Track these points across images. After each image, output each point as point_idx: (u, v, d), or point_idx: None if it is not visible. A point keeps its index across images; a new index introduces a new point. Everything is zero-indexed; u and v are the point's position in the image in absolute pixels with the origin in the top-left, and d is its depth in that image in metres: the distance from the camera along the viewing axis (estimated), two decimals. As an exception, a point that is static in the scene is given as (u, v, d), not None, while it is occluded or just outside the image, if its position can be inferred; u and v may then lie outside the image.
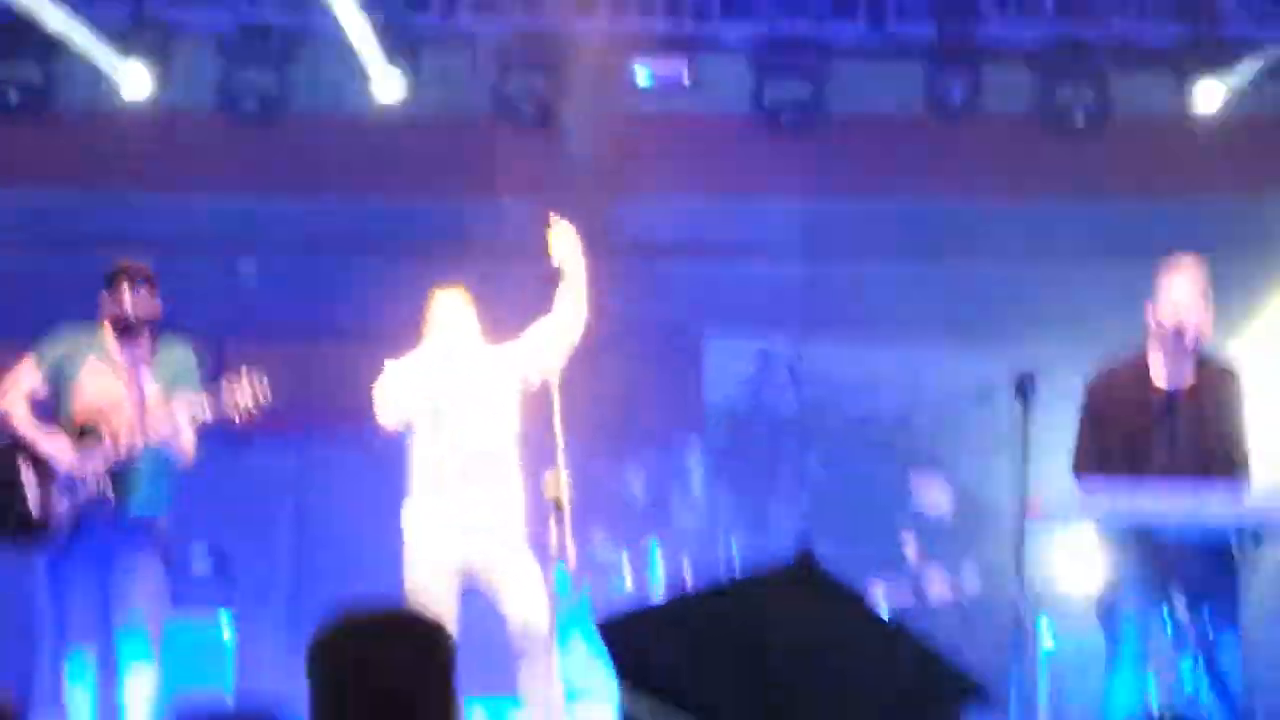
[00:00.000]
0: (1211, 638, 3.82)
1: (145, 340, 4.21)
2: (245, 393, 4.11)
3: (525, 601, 4.19)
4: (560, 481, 4.06)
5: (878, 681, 0.93)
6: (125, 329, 4.17)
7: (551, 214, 4.31)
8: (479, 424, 4.27)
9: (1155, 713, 3.64)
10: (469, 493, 4.23)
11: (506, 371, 4.32)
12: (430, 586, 4.12)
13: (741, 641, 0.91)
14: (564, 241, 4.27)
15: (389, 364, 4.28)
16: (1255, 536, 3.81)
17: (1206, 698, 3.75)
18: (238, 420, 4.15)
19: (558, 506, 4.07)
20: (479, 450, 4.25)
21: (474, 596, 4.25)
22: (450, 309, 4.36)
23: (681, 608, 1.03)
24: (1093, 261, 6.10)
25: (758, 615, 0.96)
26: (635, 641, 0.96)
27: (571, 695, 4.50)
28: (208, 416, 4.11)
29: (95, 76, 5.86)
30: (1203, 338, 4.04)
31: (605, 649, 0.98)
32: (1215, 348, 4.23)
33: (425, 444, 4.28)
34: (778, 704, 0.87)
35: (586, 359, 4.40)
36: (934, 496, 5.48)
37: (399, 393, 4.25)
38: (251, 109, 5.89)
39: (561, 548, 4.11)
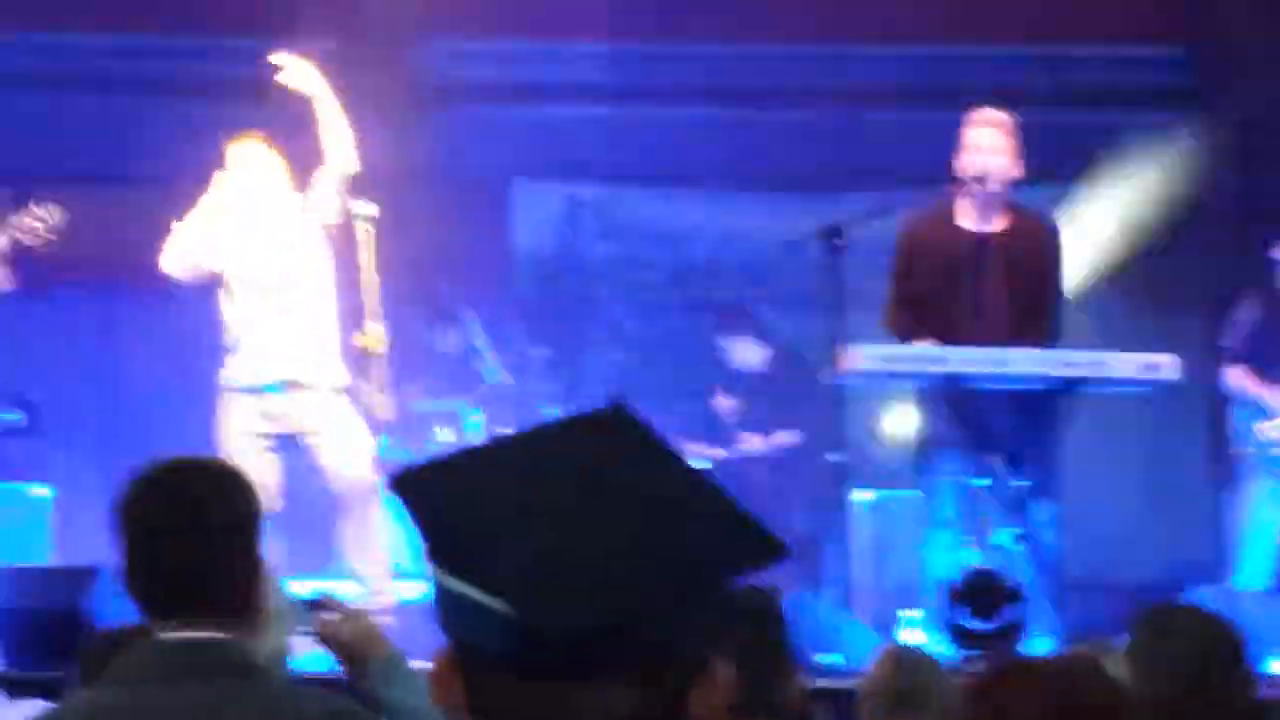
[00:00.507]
0: (1026, 497, 3.98)
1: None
2: (38, 219, 4.12)
3: (344, 451, 4.10)
4: (373, 334, 4.08)
5: (675, 534, 0.81)
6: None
7: (282, 56, 4.19)
8: (284, 275, 4.10)
9: (971, 571, 3.81)
10: (280, 346, 4.09)
11: (303, 220, 4.14)
12: (243, 447, 3.98)
13: (532, 483, 0.82)
14: (303, 80, 4.13)
15: (183, 220, 4.09)
16: (1066, 394, 4.03)
17: (1022, 557, 3.90)
18: (31, 242, 4.15)
19: (371, 357, 4.09)
20: (286, 302, 4.10)
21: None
22: (247, 159, 4.14)
23: (476, 454, 0.92)
24: (905, 108, 6.15)
25: (554, 458, 0.86)
26: (427, 493, 0.85)
27: (399, 570, 4.46)
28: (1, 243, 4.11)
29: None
30: (1007, 185, 4.20)
31: (401, 504, 0.86)
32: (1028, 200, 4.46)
33: (233, 299, 4.13)
34: (562, 548, 0.78)
35: (392, 208, 4.26)
36: (747, 352, 5.50)
37: (187, 245, 4.08)
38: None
39: (376, 401, 4.15)
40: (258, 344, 4.09)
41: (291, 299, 4.12)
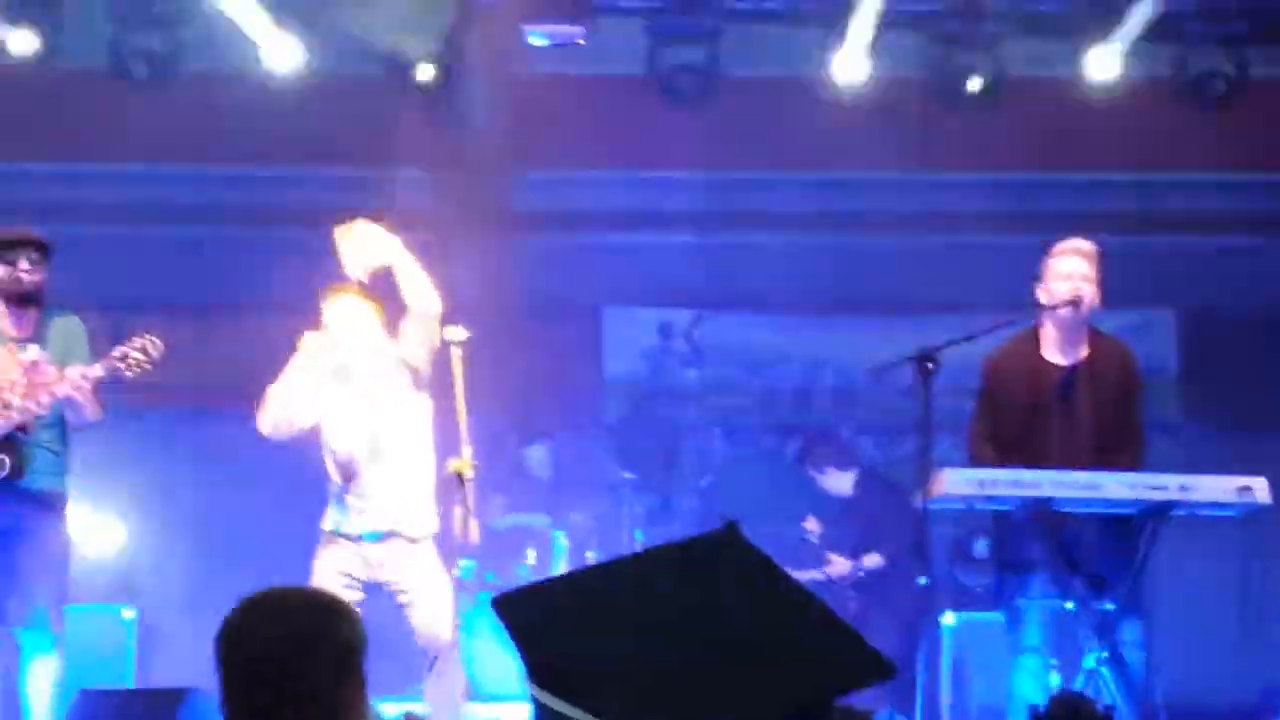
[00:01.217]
0: (1114, 621, 3.92)
1: (35, 311, 4.08)
2: (138, 350, 4.06)
3: (432, 610, 4.14)
4: (465, 459, 4.05)
5: (784, 651, 0.90)
6: (20, 300, 4.07)
7: (343, 225, 4.17)
8: (382, 427, 4.17)
9: (1058, 695, 3.72)
10: (380, 498, 4.16)
11: (397, 370, 4.20)
12: (333, 585, 3.94)
13: (643, 606, 0.88)
14: (371, 243, 4.13)
15: (279, 381, 4.15)
16: (1156, 517, 4.02)
17: (1110, 681, 3.85)
18: (131, 375, 4.08)
19: (461, 483, 4.05)
20: (385, 453, 4.17)
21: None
22: (341, 314, 4.20)
23: (581, 579, 1.02)
24: (993, 232, 6.24)
25: (663, 581, 0.93)
26: (530, 616, 0.91)
27: (480, 693, 4.50)
28: (101, 375, 4.03)
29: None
30: (1092, 313, 4.18)
31: (503, 626, 0.94)
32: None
33: (332, 452, 4.19)
34: (674, 672, 0.84)
35: (486, 335, 4.36)
36: (836, 478, 5.51)
37: (284, 407, 4.14)
38: (142, 73, 5.73)
39: (466, 527, 4.11)
40: (358, 494, 4.16)
41: (390, 449, 4.17)
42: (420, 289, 4.15)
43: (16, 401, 3.93)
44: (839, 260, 6.50)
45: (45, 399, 3.93)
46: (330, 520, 4.21)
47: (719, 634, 0.86)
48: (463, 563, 4.37)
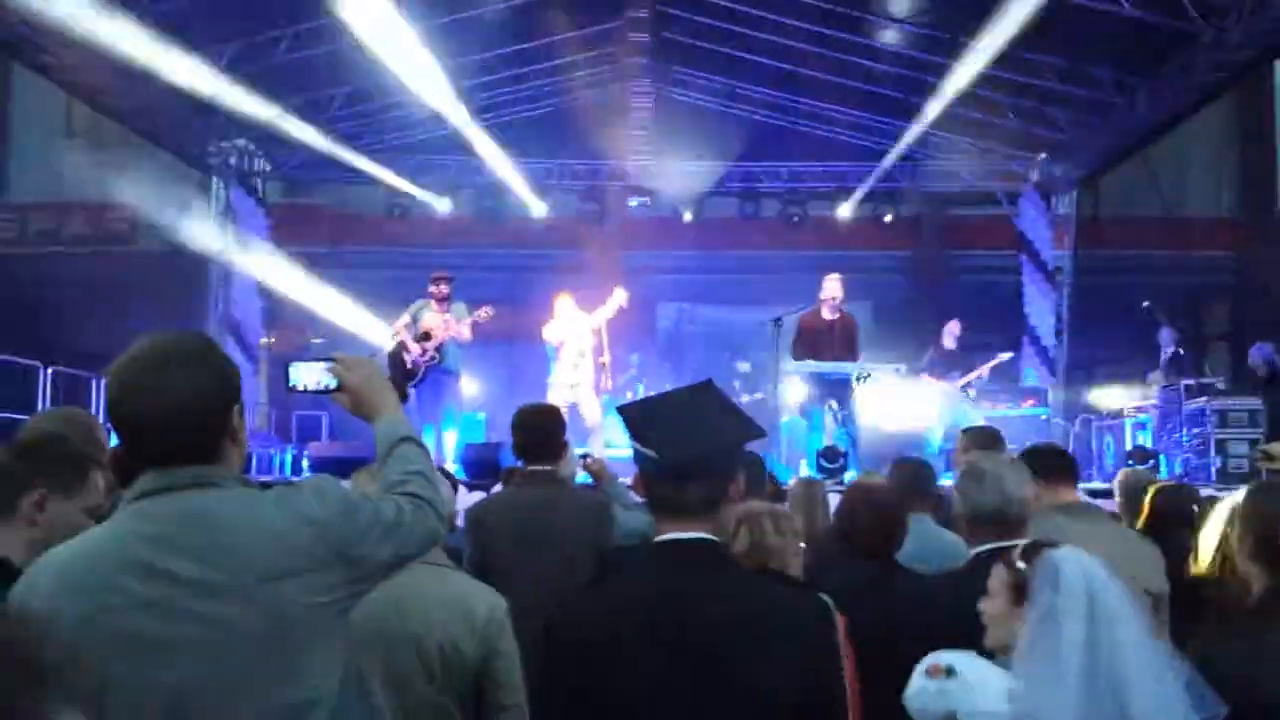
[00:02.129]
0: (847, 417, 10.81)
1: (448, 301, 10.79)
2: (483, 316, 10.65)
3: (594, 415, 10.82)
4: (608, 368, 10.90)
5: (727, 423, 2.12)
6: (441, 299, 10.76)
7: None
8: (581, 352, 10.76)
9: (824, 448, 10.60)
10: (579, 372, 10.73)
11: (589, 329, 10.83)
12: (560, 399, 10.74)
13: (667, 406, 2.17)
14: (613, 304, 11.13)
15: (548, 325, 10.83)
16: (860, 379, 10.85)
17: (843, 435, 10.69)
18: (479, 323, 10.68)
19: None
20: (581, 358, 10.77)
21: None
22: (565, 307, 10.82)
23: (646, 401, 2.24)
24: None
25: (678, 398, 2.20)
26: (628, 411, 2.14)
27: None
28: (471, 325, 10.68)
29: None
30: (840, 302, 11.14)
31: (621, 418, 2.14)
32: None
33: (560, 358, 10.82)
34: (678, 433, 2.05)
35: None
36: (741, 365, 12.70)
37: (552, 333, 10.78)
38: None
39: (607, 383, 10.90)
40: (568, 366, 10.86)
41: (582, 353, 10.72)
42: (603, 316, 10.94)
43: (438, 336, 10.71)
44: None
45: (449, 336, 10.70)
46: (556, 378, 10.93)
47: (699, 419, 2.08)
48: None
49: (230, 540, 1.93)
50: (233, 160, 14.67)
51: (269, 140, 14.19)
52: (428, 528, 2.17)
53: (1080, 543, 2.41)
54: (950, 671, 2.31)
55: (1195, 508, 4.39)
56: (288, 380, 2.40)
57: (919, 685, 2.34)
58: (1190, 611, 3.33)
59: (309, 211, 16.24)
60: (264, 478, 10.16)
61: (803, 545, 3.25)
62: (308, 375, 2.37)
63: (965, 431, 5.74)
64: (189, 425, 1.99)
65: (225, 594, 1.90)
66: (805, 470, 10.17)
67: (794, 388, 10.86)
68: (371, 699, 2.11)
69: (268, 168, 15.12)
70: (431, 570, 2.59)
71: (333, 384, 2.32)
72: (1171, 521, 4.44)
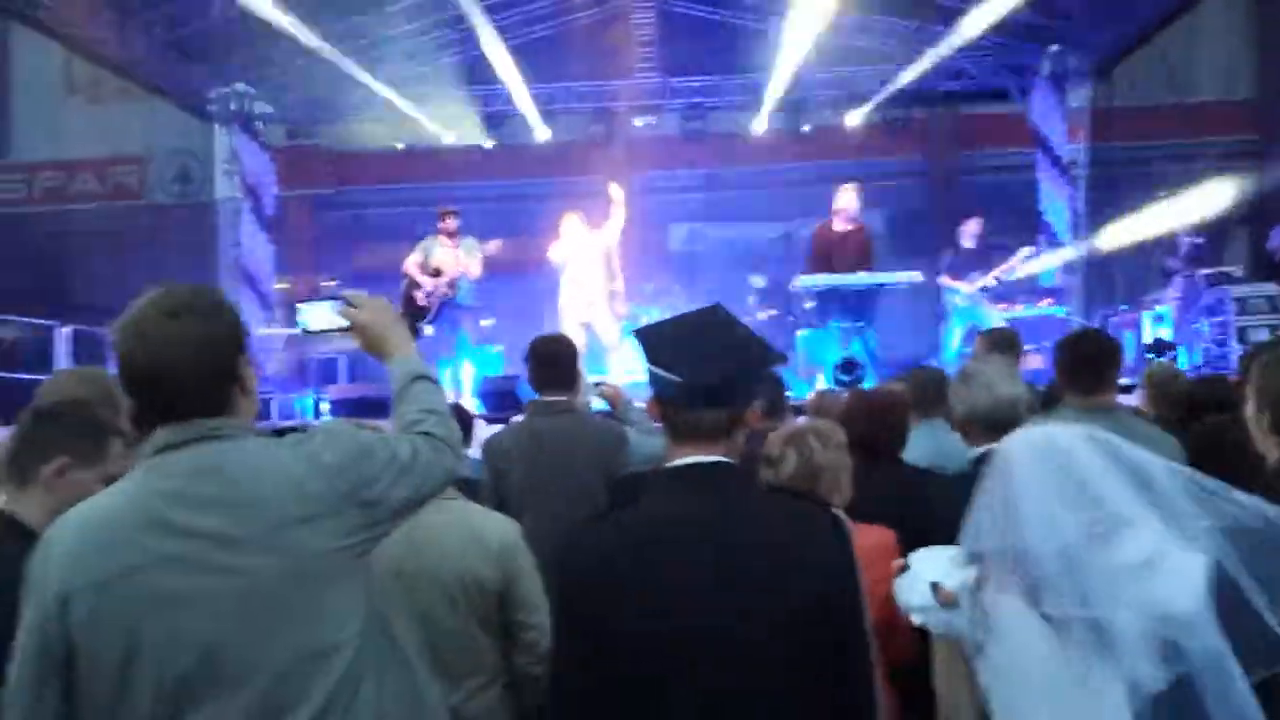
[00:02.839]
0: (865, 331, 10.76)
1: (458, 236, 10.76)
2: (491, 248, 10.69)
3: (610, 334, 10.90)
4: (620, 285, 10.88)
5: (745, 349, 2.10)
6: (450, 234, 10.72)
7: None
8: (589, 268, 10.71)
9: (843, 358, 10.63)
10: (590, 291, 10.70)
11: (598, 247, 10.80)
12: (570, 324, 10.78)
13: (684, 327, 2.12)
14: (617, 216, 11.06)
15: (554, 246, 10.81)
16: (880, 289, 10.82)
17: (864, 352, 10.69)
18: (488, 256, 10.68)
19: (617, 298, 10.89)
20: (590, 280, 10.75)
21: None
22: (573, 225, 10.71)
23: (662, 322, 2.22)
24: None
25: (694, 319, 2.14)
26: (646, 335, 2.13)
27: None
28: (480, 259, 10.65)
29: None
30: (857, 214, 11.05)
31: (637, 339, 2.12)
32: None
33: (568, 276, 10.78)
34: (697, 355, 2.04)
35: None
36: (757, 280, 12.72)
37: (558, 252, 10.77)
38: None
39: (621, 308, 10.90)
40: (579, 289, 10.77)
41: (593, 275, 10.73)
42: (615, 230, 10.90)
43: (450, 271, 10.69)
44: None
45: (460, 271, 10.68)
46: (565, 299, 10.80)
47: (718, 341, 2.06)
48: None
49: (246, 491, 1.96)
50: (233, 105, 14.53)
51: (267, 82, 14.06)
52: (444, 466, 2.17)
53: None
54: (904, 567, 2.38)
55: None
56: (299, 323, 2.39)
57: (895, 584, 2.41)
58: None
59: (312, 153, 16.11)
60: (284, 422, 10.23)
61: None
62: (317, 316, 2.36)
63: (982, 335, 5.72)
64: (202, 377, 2.00)
65: (245, 545, 1.92)
66: (822, 383, 10.15)
67: (808, 301, 10.81)
68: (395, 639, 2.14)
69: (269, 110, 14.97)
70: (441, 504, 2.62)
71: (343, 324, 2.30)
72: (1207, 408, 4.33)
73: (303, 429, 2.25)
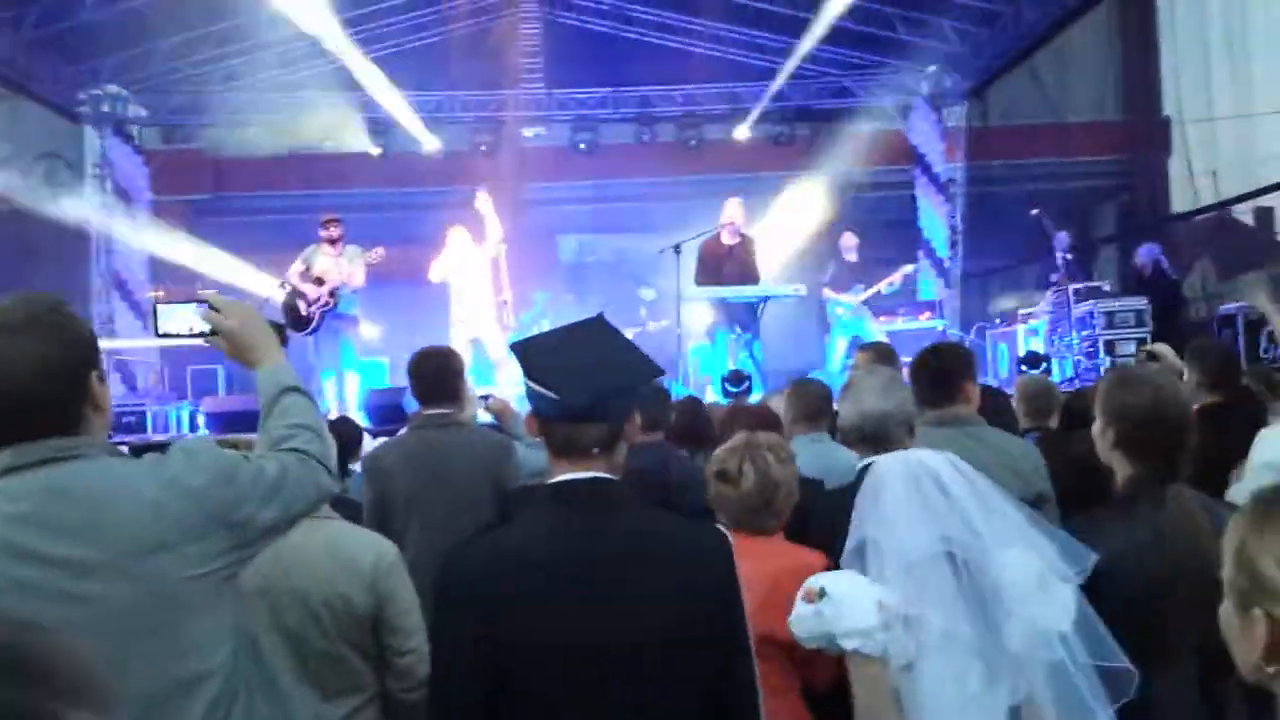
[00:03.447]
0: (751, 339, 10.91)
1: (340, 244, 10.53)
2: (373, 257, 10.46)
3: (499, 350, 10.83)
4: (509, 298, 10.82)
5: (624, 362, 2.07)
6: (333, 241, 10.49)
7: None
8: (473, 282, 10.68)
9: (732, 371, 10.69)
10: (474, 310, 10.63)
11: (480, 260, 10.77)
12: (458, 338, 10.68)
13: (565, 343, 2.08)
14: (491, 227, 10.99)
15: (434, 262, 10.68)
16: (766, 301, 10.95)
17: (750, 360, 10.80)
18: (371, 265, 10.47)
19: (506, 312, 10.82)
20: (473, 290, 10.75)
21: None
22: (459, 238, 10.66)
23: (540, 336, 2.21)
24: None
25: (574, 334, 2.09)
26: (523, 350, 2.10)
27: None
28: (364, 268, 10.46)
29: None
30: (739, 228, 11.28)
31: (515, 354, 2.10)
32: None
33: (456, 292, 10.71)
34: (576, 370, 1.99)
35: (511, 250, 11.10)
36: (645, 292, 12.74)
37: (437, 270, 10.67)
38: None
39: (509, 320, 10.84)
40: (467, 303, 10.71)
41: (481, 288, 10.68)
42: (495, 239, 10.80)
43: (333, 280, 10.46)
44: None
45: (342, 280, 10.47)
46: (457, 315, 10.79)
47: (597, 357, 2.02)
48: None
49: (99, 515, 1.85)
50: (105, 107, 14.00)
51: (142, 85, 13.59)
52: (316, 484, 2.09)
53: (958, 449, 2.47)
54: (822, 594, 2.33)
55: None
56: (156, 325, 2.25)
57: (798, 611, 2.36)
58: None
59: (189, 157, 15.61)
60: (160, 436, 9.89)
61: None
62: (178, 320, 2.23)
63: (862, 349, 5.83)
64: (43, 396, 1.89)
65: (98, 571, 1.82)
66: (711, 395, 10.23)
67: (699, 313, 10.89)
68: (264, 662, 2.06)
69: (143, 113, 14.47)
70: (313, 523, 2.53)
71: (205, 328, 2.19)
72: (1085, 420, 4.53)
73: (163, 447, 2.15)
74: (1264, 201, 13.09)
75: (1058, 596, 2.17)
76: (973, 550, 2.22)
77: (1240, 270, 14.13)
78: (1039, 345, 11.31)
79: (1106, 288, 11.52)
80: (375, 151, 14.42)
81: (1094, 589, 2.26)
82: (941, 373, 3.73)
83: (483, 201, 10.59)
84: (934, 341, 6.74)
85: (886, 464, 2.36)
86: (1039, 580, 2.18)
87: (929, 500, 2.24)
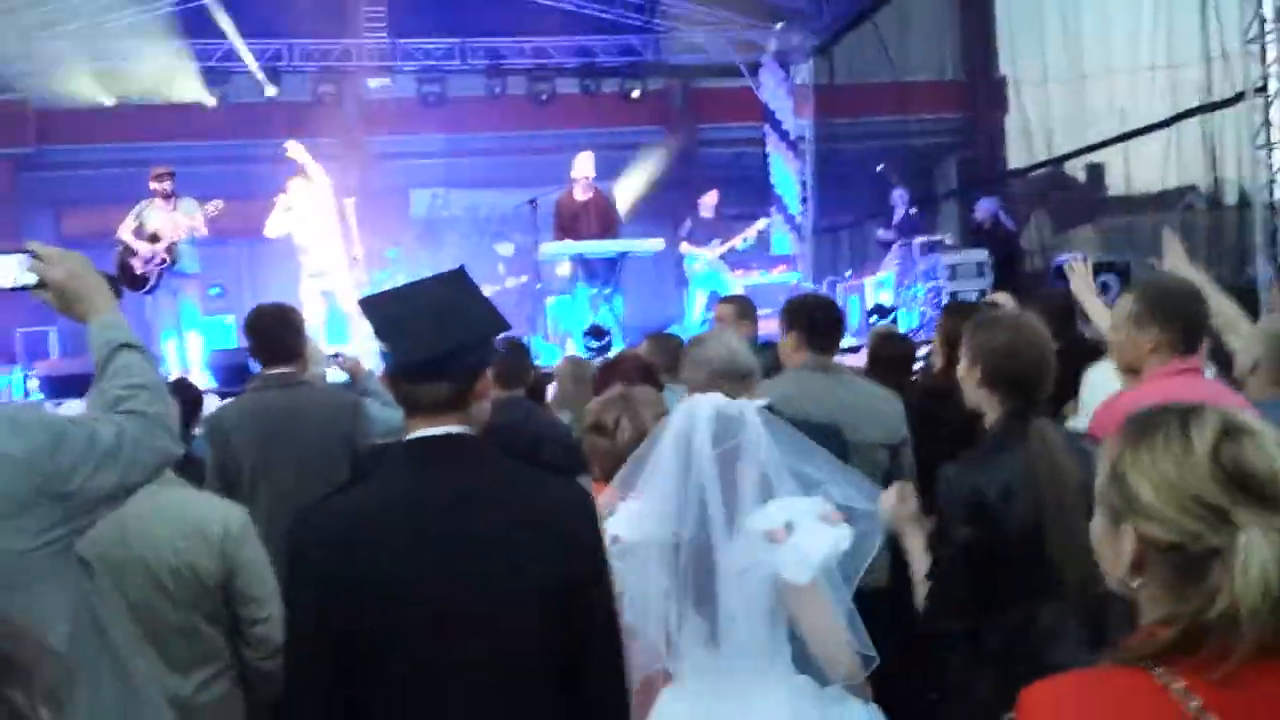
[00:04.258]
0: (610, 294, 10.87)
1: (174, 198, 10.02)
2: (212, 210, 9.93)
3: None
4: (359, 249, 10.50)
5: (474, 315, 2.04)
6: (166, 196, 9.99)
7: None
8: (316, 235, 10.34)
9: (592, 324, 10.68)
10: (323, 262, 10.28)
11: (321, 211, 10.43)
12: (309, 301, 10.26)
13: (412, 297, 2.06)
14: (317, 178, 10.60)
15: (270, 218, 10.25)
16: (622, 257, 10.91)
17: (607, 310, 10.78)
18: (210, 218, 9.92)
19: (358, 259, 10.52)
20: (319, 243, 10.39)
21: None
22: (299, 188, 10.25)
23: (391, 292, 2.19)
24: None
25: (425, 287, 2.08)
26: (373, 306, 2.07)
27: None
28: (203, 219, 9.95)
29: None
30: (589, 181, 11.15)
31: (362, 313, 2.06)
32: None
33: (301, 243, 10.35)
34: (423, 327, 1.95)
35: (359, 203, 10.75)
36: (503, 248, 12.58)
37: (273, 227, 10.24)
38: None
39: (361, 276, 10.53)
40: (317, 257, 10.33)
41: (324, 244, 10.27)
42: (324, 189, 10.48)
43: (168, 237, 9.96)
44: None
45: (180, 234, 9.98)
46: (307, 268, 10.39)
47: (446, 312, 1.96)
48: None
49: None
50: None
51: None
52: (156, 448, 1.98)
53: (818, 395, 2.54)
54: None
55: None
56: None
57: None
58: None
59: (10, 108, 14.60)
60: (-15, 403, 9.29)
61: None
62: (2, 272, 2.07)
63: (723, 301, 5.89)
64: None
65: None
66: (572, 349, 10.23)
67: (558, 268, 10.82)
68: (108, 636, 1.94)
69: (-46, 60, 13.44)
70: (157, 489, 2.39)
71: (30, 280, 2.05)
72: (895, 366, 5.00)
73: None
74: (1094, 158, 13.68)
75: (803, 546, 2.32)
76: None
77: (1073, 224, 14.81)
78: (887, 297, 11.63)
79: (948, 241, 11.90)
80: (211, 101, 13.72)
81: (982, 527, 2.35)
82: (832, 323, 3.97)
83: (295, 150, 10.22)
84: (811, 294, 6.94)
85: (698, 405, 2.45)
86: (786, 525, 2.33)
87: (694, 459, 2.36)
